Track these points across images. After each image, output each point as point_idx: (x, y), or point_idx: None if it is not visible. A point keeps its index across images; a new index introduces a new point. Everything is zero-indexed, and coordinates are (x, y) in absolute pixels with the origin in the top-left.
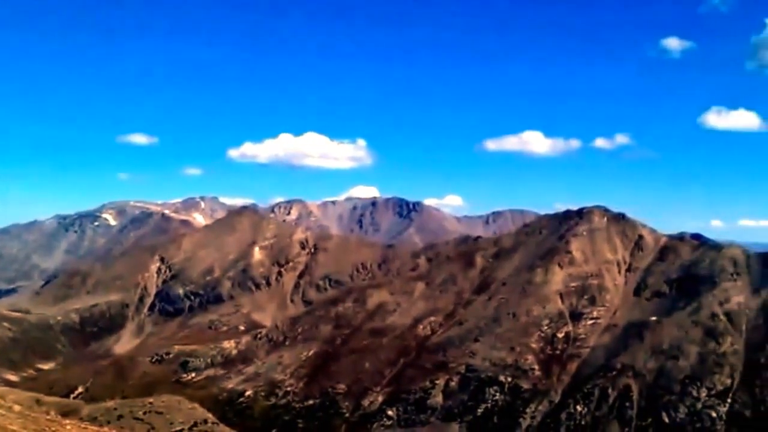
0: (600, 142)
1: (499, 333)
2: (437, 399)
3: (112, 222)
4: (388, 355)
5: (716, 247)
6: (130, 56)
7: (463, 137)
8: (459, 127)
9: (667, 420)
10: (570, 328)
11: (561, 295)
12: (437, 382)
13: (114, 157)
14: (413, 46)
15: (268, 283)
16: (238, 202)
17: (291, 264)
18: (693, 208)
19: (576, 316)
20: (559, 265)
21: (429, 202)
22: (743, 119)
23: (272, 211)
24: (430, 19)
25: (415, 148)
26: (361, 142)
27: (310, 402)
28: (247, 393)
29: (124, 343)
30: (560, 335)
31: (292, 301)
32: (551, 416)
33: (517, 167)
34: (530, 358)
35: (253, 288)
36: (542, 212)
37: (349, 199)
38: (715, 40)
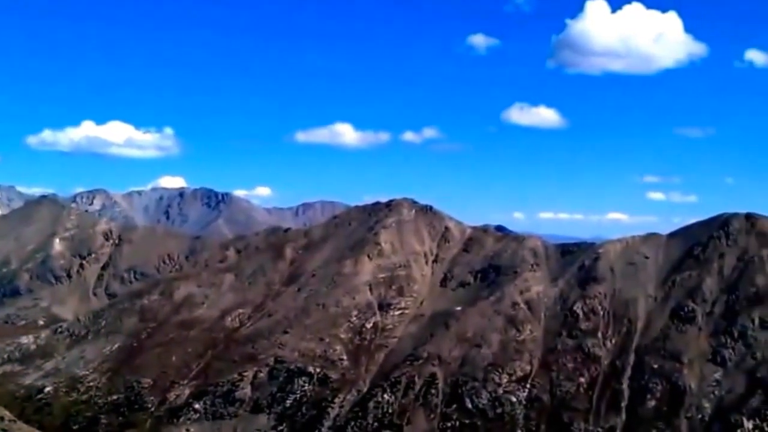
0: (409, 135)
1: (308, 324)
2: (246, 391)
3: None
4: (196, 347)
5: (518, 238)
6: None
7: (274, 128)
8: (269, 118)
9: (470, 406)
10: (378, 318)
11: (370, 286)
12: (246, 374)
13: None
14: (223, 33)
15: (69, 276)
16: (38, 191)
17: (94, 256)
18: (496, 201)
19: (384, 307)
20: (369, 256)
21: (239, 193)
22: (544, 116)
23: (74, 201)
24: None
25: (225, 139)
26: (169, 131)
27: (114, 397)
28: (47, 389)
29: None
30: (369, 325)
31: (94, 294)
32: (359, 405)
33: (327, 159)
34: (339, 348)
35: (54, 281)
36: (352, 204)
37: (155, 189)
38: (519, 38)
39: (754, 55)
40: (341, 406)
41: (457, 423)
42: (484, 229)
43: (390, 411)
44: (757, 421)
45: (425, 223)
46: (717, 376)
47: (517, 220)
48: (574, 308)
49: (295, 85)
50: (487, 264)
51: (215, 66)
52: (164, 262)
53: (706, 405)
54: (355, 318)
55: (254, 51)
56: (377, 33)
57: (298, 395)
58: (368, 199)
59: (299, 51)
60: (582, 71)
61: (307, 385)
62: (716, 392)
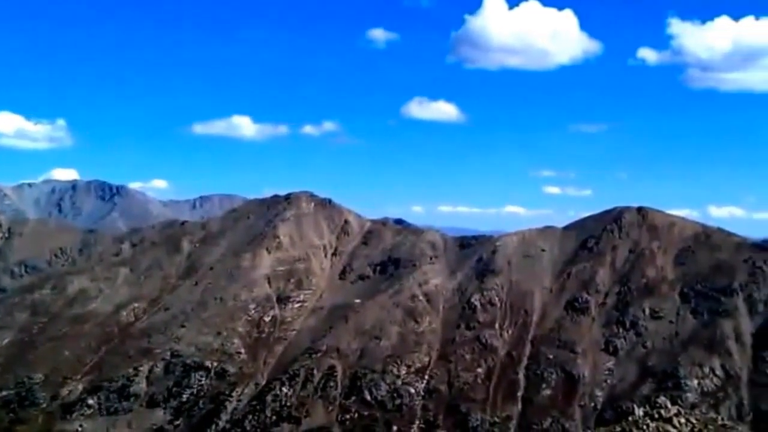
0: (308, 129)
1: (205, 318)
2: (141, 386)
3: None
4: (89, 342)
5: (417, 231)
6: None
7: (170, 120)
8: (165, 110)
9: (369, 397)
10: (277, 311)
11: (268, 279)
12: (141, 368)
13: None
14: (118, 23)
15: None
16: None
17: None
18: (396, 194)
19: (283, 300)
20: (267, 249)
21: (134, 185)
22: (443, 110)
23: None
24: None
25: (120, 131)
26: (61, 123)
27: (3, 393)
28: None
29: None
30: (267, 319)
31: None
32: (257, 399)
33: (225, 151)
34: (237, 342)
35: None
36: (251, 197)
37: (47, 181)
38: (418, 33)
39: (646, 54)
40: (239, 400)
41: (356, 415)
42: (383, 223)
43: (288, 404)
44: (648, 409)
45: (324, 217)
46: (609, 365)
47: (416, 213)
48: (472, 300)
49: (193, 76)
50: (386, 257)
51: (110, 57)
52: (56, 256)
53: (599, 393)
54: (253, 311)
55: (150, 42)
56: (276, 25)
57: (195, 389)
58: (267, 193)
59: (196, 42)
60: (480, 66)
61: (204, 379)
62: (608, 381)
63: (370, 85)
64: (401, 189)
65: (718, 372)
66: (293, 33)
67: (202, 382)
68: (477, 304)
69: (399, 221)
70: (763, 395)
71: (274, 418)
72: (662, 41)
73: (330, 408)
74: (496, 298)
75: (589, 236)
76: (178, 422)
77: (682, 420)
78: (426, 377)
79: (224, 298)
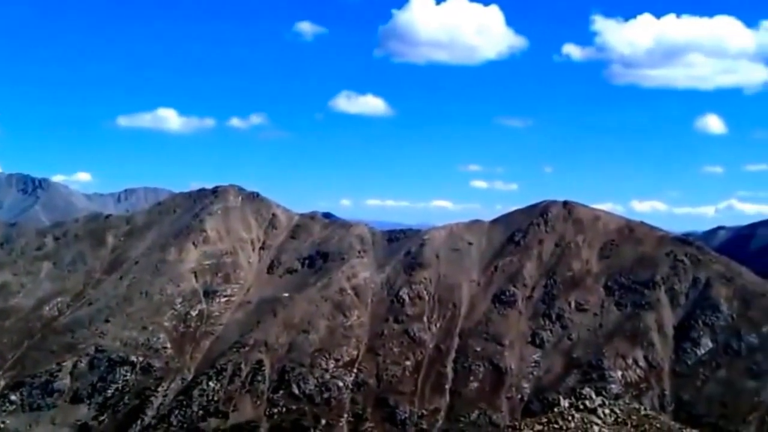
0: (235, 122)
1: (130, 312)
2: (65, 381)
3: None
4: (11, 338)
5: (345, 225)
6: None
7: (94, 113)
8: (89, 103)
9: (297, 391)
10: (204, 305)
11: (195, 274)
12: (64, 364)
13: None
14: (41, 14)
15: None
16: None
17: None
18: (324, 188)
19: (210, 294)
20: (194, 243)
21: (57, 179)
22: (371, 104)
23: None
24: None
25: (42, 124)
26: None
27: None
28: None
29: None
30: (194, 313)
31: None
32: (184, 394)
33: (151, 144)
34: (162, 336)
35: None
36: (177, 190)
37: None
38: (346, 27)
39: (571, 49)
40: (165, 395)
41: (284, 409)
42: (312, 216)
43: (216, 398)
44: (573, 400)
45: (252, 210)
46: (536, 357)
47: (344, 207)
48: (401, 294)
49: (118, 69)
50: (315, 251)
51: (33, 49)
52: None
53: (526, 385)
54: (179, 306)
55: (74, 33)
56: (203, 17)
57: (120, 385)
58: (194, 186)
59: (122, 34)
60: (408, 61)
61: (129, 374)
62: (535, 372)
63: (297, 79)
64: (329, 183)
65: (641, 363)
66: (220, 25)
67: (128, 378)
68: (405, 297)
69: (327, 215)
70: (684, 385)
71: (201, 413)
72: (586, 37)
73: (258, 402)
74: (425, 292)
75: (516, 230)
76: (103, 418)
77: (607, 411)
78: (354, 371)
79: (150, 293)
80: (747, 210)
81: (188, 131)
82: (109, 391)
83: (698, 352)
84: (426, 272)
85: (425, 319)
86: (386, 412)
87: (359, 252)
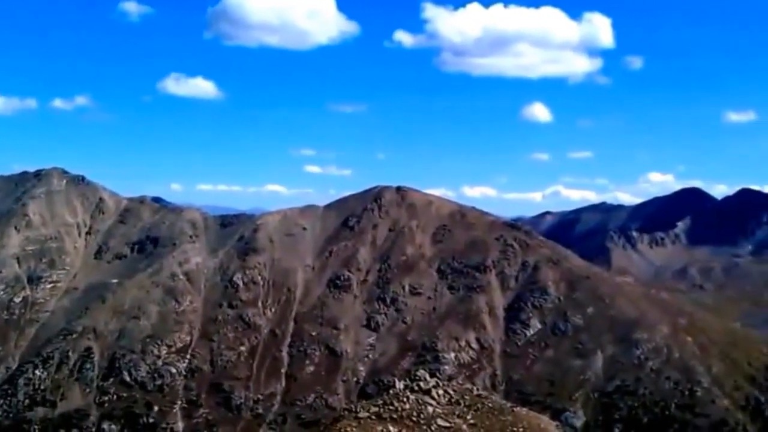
0: (58, 103)
1: None
2: None
3: None
4: None
5: (176, 210)
6: None
7: None
8: None
9: (128, 378)
10: (28, 292)
11: (18, 259)
12: None
13: None
14: None
15: None
16: None
17: None
18: (153, 172)
19: (34, 280)
20: (16, 228)
21: None
22: (201, 87)
23: None
24: None
25: None
26: None
27: None
28: None
29: None
30: (17, 300)
31: None
32: (9, 383)
33: None
34: None
35: None
36: None
37: None
38: (173, 7)
39: (402, 36)
40: None
41: (115, 396)
42: (141, 201)
43: (43, 387)
44: (408, 381)
45: (77, 194)
46: (371, 340)
47: (174, 191)
48: (234, 279)
49: None
50: (145, 236)
51: None
52: None
53: (361, 368)
54: (2, 292)
55: None
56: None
57: None
58: (16, 169)
59: None
60: (239, 44)
61: None
62: (370, 355)
63: (123, 60)
64: (159, 167)
65: (474, 345)
66: (41, 2)
67: None
68: (239, 282)
69: (157, 199)
70: (514, 365)
71: (27, 402)
72: (417, 25)
73: (87, 390)
74: (259, 277)
75: (350, 215)
76: None
77: (441, 391)
78: (188, 357)
79: None
80: (572, 196)
81: (9, 112)
82: None
83: (527, 333)
84: (260, 257)
85: (260, 303)
86: (221, 397)
87: (191, 237)
